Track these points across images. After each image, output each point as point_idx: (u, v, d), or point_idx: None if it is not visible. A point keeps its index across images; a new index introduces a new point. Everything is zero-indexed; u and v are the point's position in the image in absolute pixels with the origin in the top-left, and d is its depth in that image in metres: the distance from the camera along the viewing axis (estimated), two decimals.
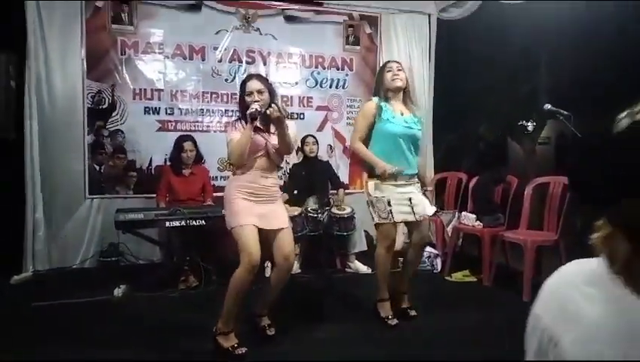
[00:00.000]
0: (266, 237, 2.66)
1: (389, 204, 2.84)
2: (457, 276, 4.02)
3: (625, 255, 0.58)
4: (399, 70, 2.95)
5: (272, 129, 2.69)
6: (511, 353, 2.44)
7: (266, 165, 2.68)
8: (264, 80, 2.75)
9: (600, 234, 0.60)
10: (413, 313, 3.04)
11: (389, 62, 3.08)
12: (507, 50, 6.31)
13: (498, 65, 6.49)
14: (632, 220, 0.55)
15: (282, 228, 2.68)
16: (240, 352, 2.53)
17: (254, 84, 2.66)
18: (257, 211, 2.62)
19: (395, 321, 2.94)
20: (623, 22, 4.26)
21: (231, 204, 2.64)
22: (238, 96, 2.82)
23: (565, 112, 2.94)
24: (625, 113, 0.59)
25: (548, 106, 3.05)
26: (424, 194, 3.10)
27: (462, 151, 6.90)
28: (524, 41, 6.05)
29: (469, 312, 3.21)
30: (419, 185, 3.02)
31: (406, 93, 3.01)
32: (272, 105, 2.60)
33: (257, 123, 2.61)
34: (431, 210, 3.01)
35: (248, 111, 2.54)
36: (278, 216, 2.70)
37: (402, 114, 2.92)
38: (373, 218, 2.95)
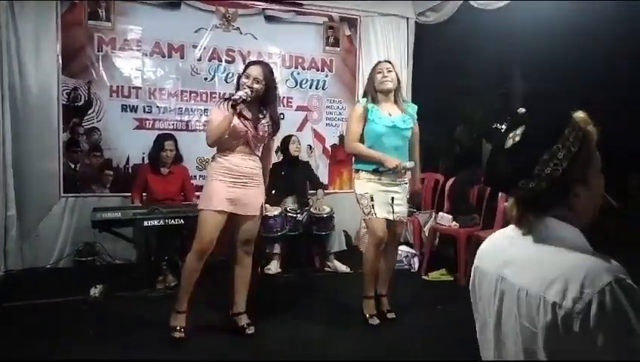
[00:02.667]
0: (236, 221, 2.72)
1: (371, 199, 2.90)
2: (434, 275, 4.10)
3: (521, 215, 0.98)
4: (389, 71, 2.96)
5: (255, 118, 2.71)
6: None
7: (246, 150, 2.73)
8: (268, 72, 2.73)
9: (510, 206, 1.01)
10: (391, 316, 3.08)
11: (379, 62, 3.07)
12: (483, 54, 6.46)
13: (474, 69, 6.64)
14: (521, 196, 0.96)
15: (250, 215, 2.72)
16: (174, 336, 2.64)
17: (255, 71, 2.68)
18: (231, 195, 2.66)
19: (376, 321, 2.96)
20: (597, 27, 4.42)
21: (206, 185, 2.74)
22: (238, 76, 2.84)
23: None
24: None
25: (522, 110, 3.16)
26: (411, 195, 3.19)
27: (439, 153, 7.02)
28: (500, 46, 6.21)
29: (445, 310, 3.28)
30: (407, 185, 3.07)
31: (397, 93, 3.02)
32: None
33: (241, 109, 2.63)
34: (406, 214, 3.11)
35: (233, 97, 2.57)
36: (250, 201, 2.72)
37: (390, 114, 2.94)
38: (362, 214, 3.03)
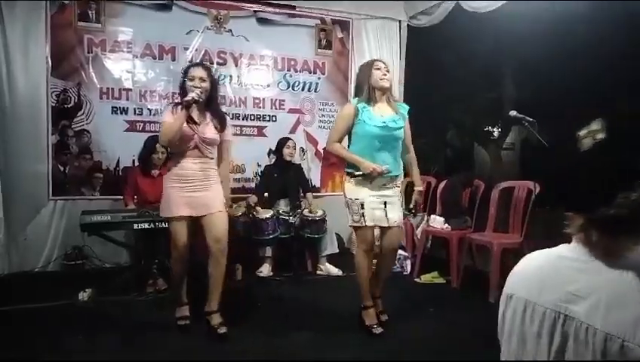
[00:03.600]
0: (203, 223, 2.77)
1: (362, 206, 2.78)
2: (426, 278, 4.09)
3: (598, 238, 0.80)
4: (387, 70, 2.89)
5: (202, 121, 2.75)
6: (478, 353, 2.52)
7: (196, 154, 2.75)
8: (208, 70, 2.83)
9: (575, 224, 0.82)
10: (384, 317, 3.01)
11: (376, 60, 2.97)
12: (475, 58, 6.49)
13: (466, 72, 6.67)
14: (603, 218, 0.79)
15: (212, 213, 2.75)
16: (181, 323, 2.84)
17: (197, 71, 2.74)
18: (187, 199, 2.71)
19: (379, 330, 2.84)
20: (587, 33, 4.46)
21: (164, 191, 2.80)
22: (180, 82, 2.85)
23: (530, 119, 3.04)
24: (585, 132, 0.83)
25: (513, 113, 3.16)
26: (411, 196, 3.05)
27: (431, 156, 7.04)
28: (492, 49, 6.24)
29: (437, 313, 3.27)
30: (398, 189, 2.95)
31: (390, 93, 2.93)
32: None
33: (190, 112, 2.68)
34: (401, 220, 2.97)
35: (185, 98, 2.63)
36: (209, 201, 2.75)
37: (382, 115, 2.82)
38: (349, 220, 2.90)
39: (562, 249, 0.86)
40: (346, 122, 2.85)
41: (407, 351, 2.66)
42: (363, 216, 2.79)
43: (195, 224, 2.77)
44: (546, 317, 0.80)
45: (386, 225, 2.85)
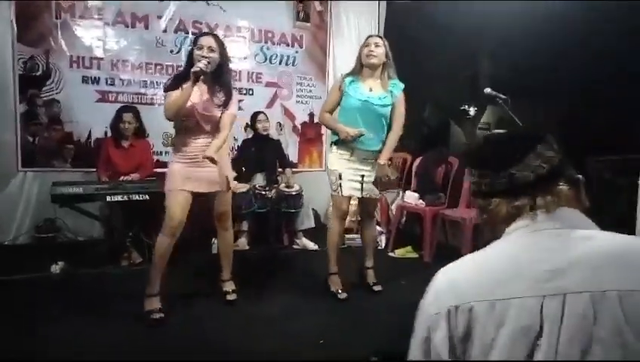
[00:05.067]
0: (206, 200, 2.77)
1: (339, 177, 2.94)
2: (400, 252, 4.18)
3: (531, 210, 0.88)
4: (377, 46, 2.89)
5: (206, 95, 2.64)
6: None
7: (196, 128, 2.65)
8: (218, 40, 2.69)
9: (501, 212, 0.91)
10: (377, 288, 3.14)
11: (370, 36, 3.02)
12: (453, 35, 6.49)
13: (444, 50, 6.67)
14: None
15: (218, 191, 2.75)
16: (154, 317, 2.59)
17: (207, 40, 2.61)
18: (191, 174, 2.65)
19: (344, 295, 3.01)
20: (570, 8, 4.49)
21: (168, 168, 2.76)
22: (188, 52, 2.75)
23: (503, 96, 3.09)
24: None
25: (488, 90, 3.19)
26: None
27: (406, 132, 7.09)
28: (469, 27, 6.24)
29: (408, 285, 3.36)
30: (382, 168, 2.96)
31: (385, 70, 2.94)
32: (206, 155, 2.53)
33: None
34: (376, 191, 3.07)
35: (193, 69, 2.47)
36: (213, 178, 2.71)
37: (371, 90, 2.90)
38: (330, 188, 3.06)
39: (495, 245, 0.87)
40: (334, 94, 3.01)
41: (376, 322, 2.73)
42: (340, 186, 2.96)
43: (194, 201, 2.68)
44: (532, 306, 0.75)
45: (359, 195, 3.02)
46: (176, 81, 2.60)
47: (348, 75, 2.98)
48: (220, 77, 2.66)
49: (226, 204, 2.85)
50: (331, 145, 3.04)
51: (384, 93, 2.92)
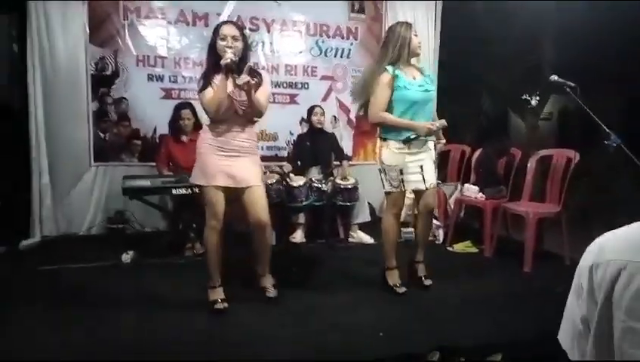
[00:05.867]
0: (236, 194, 2.66)
1: (401, 172, 2.85)
2: (459, 247, 4.08)
3: None
4: (415, 36, 2.88)
5: (232, 80, 2.55)
6: (511, 322, 2.53)
7: (234, 120, 2.61)
8: (239, 27, 2.66)
9: None
10: (428, 282, 3.07)
11: (406, 23, 2.90)
12: (512, 24, 6.22)
13: (502, 39, 6.41)
14: None
15: (250, 186, 2.65)
16: (218, 307, 2.64)
17: (230, 29, 2.57)
18: (224, 168, 2.59)
19: (403, 289, 2.97)
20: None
21: (199, 157, 2.66)
22: (209, 42, 2.65)
23: (572, 84, 2.93)
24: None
25: (554, 77, 3.03)
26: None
27: (465, 124, 6.88)
28: (530, 14, 5.96)
29: (470, 281, 3.28)
30: (432, 151, 2.98)
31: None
32: (243, 75, 2.46)
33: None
34: (435, 181, 3.02)
35: (222, 61, 2.45)
36: (247, 172, 2.63)
37: (415, 78, 2.87)
38: (383, 185, 2.95)
39: None
40: (386, 91, 2.82)
41: (437, 318, 2.69)
42: (402, 181, 2.87)
43: (232, 193, 2.66)
44: None
45: (424, 188, 2.91)
46: (206, 79, 2.58)
47: (392, 66, 2.82)
48: (245, 62, 2.57)
49: (262, 199, 2.72)
50: (385, 140, 2.90)
51: (425, 78, 2.91)
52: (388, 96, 2.83)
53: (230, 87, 2.55)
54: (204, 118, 2.86)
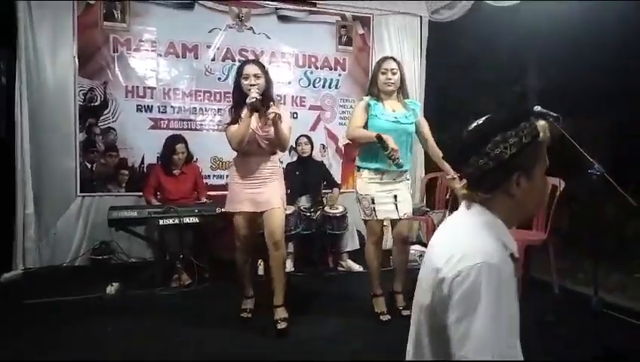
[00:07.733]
0: (262, 218, 2.86)
1: (372, 201, 2.93)
2: None
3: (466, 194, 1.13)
4: (394, 74, 2.96)
5: (262, 119, 2.78)
6: None
7: (257, 151, 2.82)
8: (261, 65, 2.85)
9: (460, 187, 1.11)
10: (406, 312, 3.04)
11: (385, 59, 3.03)
12: (497, 52, 6.39)
13: (488, 67, 6.57)
14: (469, 174, 1.12)
15: (272, 208, 2.82)
16: (243, 315, 2.98)
17: (251, 68, 2.77)
18: (248, 196, 2.84)
19: (387, 317, 2.99)
20: (612, 24, 4.34)
21: (229, 188, 2.96)
22: (234, 81, 2.92)
23: (554, 114, 3.00)
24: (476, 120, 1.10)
25: (538, 108, 3.10)
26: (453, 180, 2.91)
27: (447, 150, 6.97)
28: (515, 43, 6.14)
29: None
30: (409, 182, 3.07)
31: (400, 91, 3.04)
32: (270, 110, 2.67)
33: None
34: (410, 211, 3.05)
35: (248, 101, 2.65)
36: (267, 198, 2.83)
37: (393, 110, 2.97)
38: (360, 214, 3.06)
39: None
40: (362, 114, 2.96)
41: None
42: (374, 210, 2.95)
43: (257, 217, 2.91)
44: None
45: (397, 217, 2.98)
46: (233, 114, 2.80)
47: (370, 97, 3.00)
48: (268, 99, 2.80)
49: (278, 219, 2.86)
50: (359, 170, 3.03)
51: (407, 112, 3.00)
52: (362, 118, 2.95)
53: (254, 123, 2.76)
54: (228, 152, 3.11)
